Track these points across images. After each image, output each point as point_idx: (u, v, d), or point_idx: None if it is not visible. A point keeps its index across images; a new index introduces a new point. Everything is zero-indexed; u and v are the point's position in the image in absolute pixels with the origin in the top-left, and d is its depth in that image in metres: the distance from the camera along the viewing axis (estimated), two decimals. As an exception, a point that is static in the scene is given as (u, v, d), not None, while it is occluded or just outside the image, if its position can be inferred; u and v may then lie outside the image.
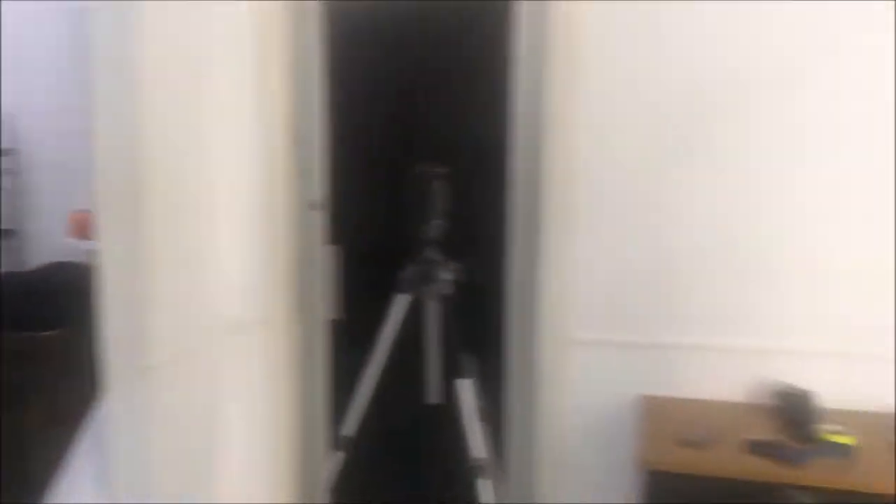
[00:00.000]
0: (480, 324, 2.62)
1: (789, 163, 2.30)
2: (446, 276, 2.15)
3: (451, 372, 2.12)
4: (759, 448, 2.12)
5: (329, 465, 2.42)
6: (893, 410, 2.27)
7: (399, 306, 2.15)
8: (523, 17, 2.45)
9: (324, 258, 2.70)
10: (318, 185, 2.68)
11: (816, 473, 2.04)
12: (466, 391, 2.05)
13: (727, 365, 2.43)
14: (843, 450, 2.08)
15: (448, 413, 2.14)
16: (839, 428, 2.13)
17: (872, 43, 2.20)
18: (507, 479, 2.61)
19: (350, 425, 2.25)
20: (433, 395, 2.26)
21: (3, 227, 3.46)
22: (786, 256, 2.35)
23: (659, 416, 2.36)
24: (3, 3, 2.49)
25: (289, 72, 2.57)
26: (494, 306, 2.61)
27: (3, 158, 3.46)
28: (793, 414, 2.25)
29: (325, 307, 2.73)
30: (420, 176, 2.12)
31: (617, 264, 2.46)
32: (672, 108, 2.35)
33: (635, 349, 2.48)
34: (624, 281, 2.46)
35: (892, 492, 1.98)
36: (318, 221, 2.70)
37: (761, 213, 2.34)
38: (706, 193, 2.37)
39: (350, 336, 2.61)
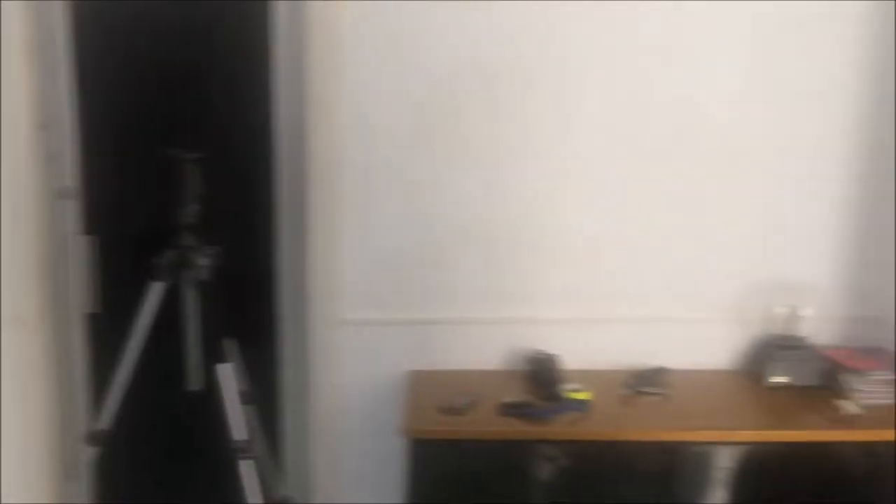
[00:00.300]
0: (245, 307, 2.61)
1: (534, 146, 2.50)
2: (202, 261, 2.12)
3: (211, 357, 2.10)
4: (510, 410, 2.30)
5: (84, 460, 2.31)
6: (619, 367, 2.56)
7: (154, 294, 2.09)
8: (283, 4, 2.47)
9: (77, 249, 2.54)
10: (69, 172, 2.52)
11: (560, 428, 2.26)
12: (227, 375, 2.04)
13: (486, 336, 2.61)
14: (581, 405, 2.32)
15: (209, 398, 2.12)
16: (579, 386, 2.38)
17: (609, 36, 2.45)
18: (278, 458, 2.63)
19: (105, 419, 2.16)
20: (194, 381, 2.22)
21: None
22: (534, 234, 2.56)
23: (423, 388, 2.48)
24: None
25: (33, 56, 2.41)
26: (261, 289, 2.62)
27: None
28: (541, 377, 2.47)
29: (80, 300, 2.58)
30: (172, 160, 2.07)
31: (381, 246, 2.56)
32: (429, 96, 2.47)
33: (402, 326, 2.59)
34: (388, 261, 2.56)
35: (623, 437, 2.25)
36: (70, 210, 2.54)
37: (511, 194, 2.53)
38: (463, 176, 2.52)
39: (109, 329, 2.49)
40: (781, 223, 2.54)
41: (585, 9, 2.42)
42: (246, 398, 2.19)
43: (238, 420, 2.04)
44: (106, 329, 2.58)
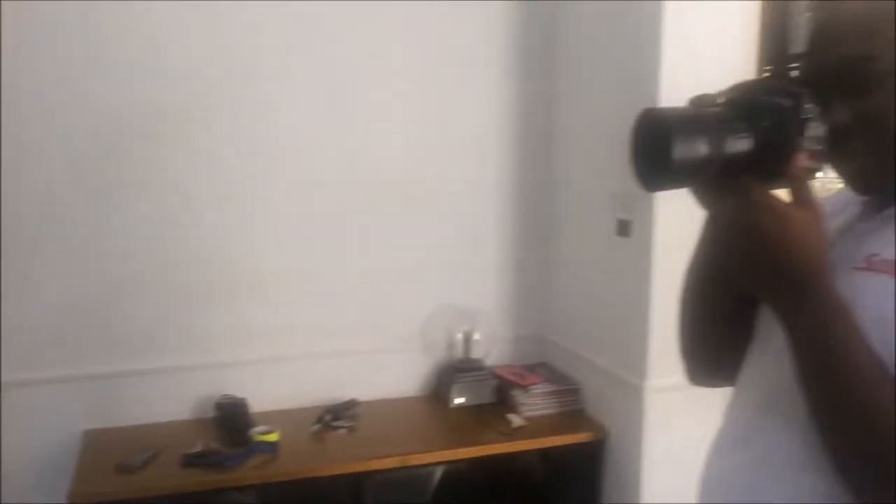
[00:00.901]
0: None
1: (211, 185, 2.47)
2: None
3: None
4: (193, 460, 2.23)
5: None
6: (312, 404, 2.58)
7: None
8: None
9: None
10: None
11: (248, 472, 2.23)
12: None
13: (171, 385, 2.51)
14: (270, 447, 2.31)
15: None
16: (268, 427, 2.37)
17: (284, 75, 2.50)
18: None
19: None
20: None
21: None
22: (214, 275, 2.52)
23: (101, 447, 2.32)
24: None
25: None
26: None
27: None
28: (230, 422, 2.42)
29: None
30: None
31: (47, 299, 2.36)
32: (94, 135, 2.35)
33: (75, 383, 2.40)
34: (56, 315, 2.38)
35: (310, 474, 2.27)
36: None
37: (188, 236, 2.47)
38: (135, 219, 2.42)
39: None
40: (453, 255, 2.75)
41: (260, 50, 2.46)
42: None
43: None
44: None
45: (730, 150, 0.90)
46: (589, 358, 2.60)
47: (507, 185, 2.78)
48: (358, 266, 2.65)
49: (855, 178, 0.97)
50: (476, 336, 2.73)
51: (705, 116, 0.91)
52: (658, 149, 0.89)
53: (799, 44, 0.92)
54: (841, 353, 0.84)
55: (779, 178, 0.90)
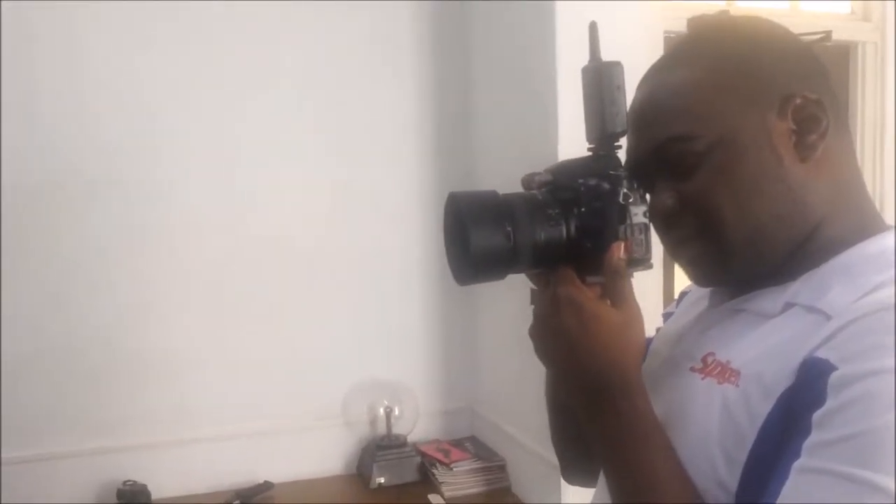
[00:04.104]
0: None
1: (106, 263, 2.37)
2: None
3: None
4: (83, 555, 2.08)
5: None
6: (222, 488, 2.44)
7: None
8: None
9: None
10: None
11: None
12: None
13: (74, 471, 2.36)
14: (169, 537, 2.17)
15: None
16: (173, 516, 2.23)
17: (181, 148, 2.43)
18: None
19: None
20: None
21: None
22: (114, 357, 2.39)
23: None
24: None
25: None
26: None
27: None
28: (128, 510, 2.28)
29: None
30: None
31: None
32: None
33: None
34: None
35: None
36: None
37: (80, 316, 2.35)
38: (17, 299, 2.30)
39: None
40: (374, 329, 2.64)
41: (172, 112, 2.40)
42: None
43: None
44: None
45: (540, 239, 0.82)
46: (513, 433, 2.49)
47: (430, 251, 2.69)
48: (275, 342, 2.53)
49: (690, 269, 0.89)
50: (397, 411, 2.61)
51: (513, 201, 0.84)
52: (459, 239, 0.82)
53: (621, 123, 0.86)
54: (639, 470, 0.75)
55: (596, 269, 0.83)
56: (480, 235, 0.79)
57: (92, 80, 2.33)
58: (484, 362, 2.72)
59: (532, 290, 0.91)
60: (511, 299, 2.53)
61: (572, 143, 1.05)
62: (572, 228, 0.83)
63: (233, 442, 2.50)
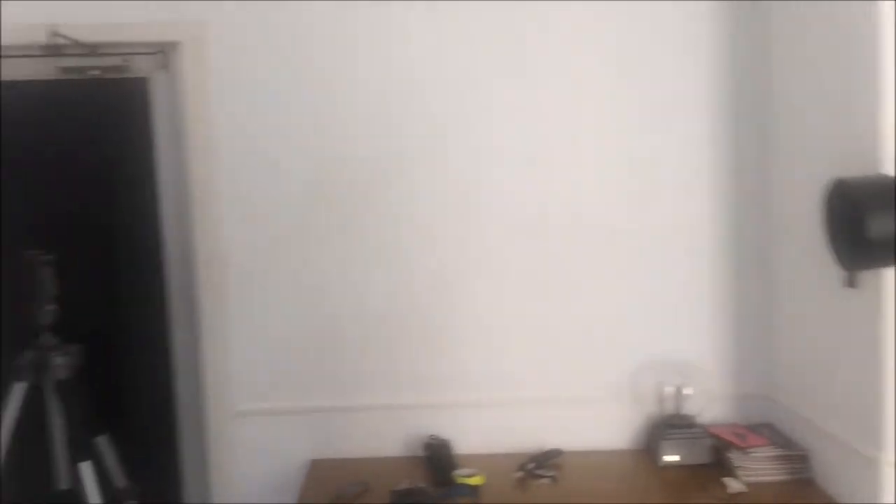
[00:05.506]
0: (139, 402, 2.62)
1: (425, 232, 2.59)
2: (60, 360, 2.14)
3: (75, 455, 2.10)
4: (400, 496, 2.31)
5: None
6: (514, 450, 2.57)
7: (16, 394, 2.11)
8: (159, 94, 2.57)
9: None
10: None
11: (450, 514, 2.27)
12: (88, 474, 2.04)
13: (383, 422, 2.64)
14: (472, 490, 2.33)
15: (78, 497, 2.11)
16: (473, 471, 2.39)
17: (504, 121, 2.57)
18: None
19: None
20: (63, 479, 2.21)
21: None
22: (427, 319, 2.62)
23: (320, 477, 2.49)
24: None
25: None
26: (157, 383, 2.63)
27: None
28: (435, 462, 2.48)
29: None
30: (29, 262, 2.13)
31: (273, 336, 2.60)
32: (314, 181, 2.56)
33: (298, 415, 2.62)
34: (281, 351, 2.61)
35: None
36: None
37: (402, 281, 2.61)
38: (351, 264, 2.59)
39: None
40: (664, 304, 2.62)
41: (480, 97, 2.56)
42: (124, 495, 2.18)
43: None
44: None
45: None
46: (818, 422, 2.33)
47: (722, 227, 2.61)
48: (567, 313, 2.62)
49: None
50: (687, 391, 2.57)
51: None
52: (853, 224, 0.80)
53: None
54: None
55: None
56: (879, 221, 0.76)
57: (411, 69, 2.55)
58: (782, 346, 2.57)
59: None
60: (809, 277, 2.37)
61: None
62: None
63: (526, 408, 2.63)
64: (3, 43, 2.42)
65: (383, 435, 2.64)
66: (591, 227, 2.60)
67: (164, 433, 2.66)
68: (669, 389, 2.59)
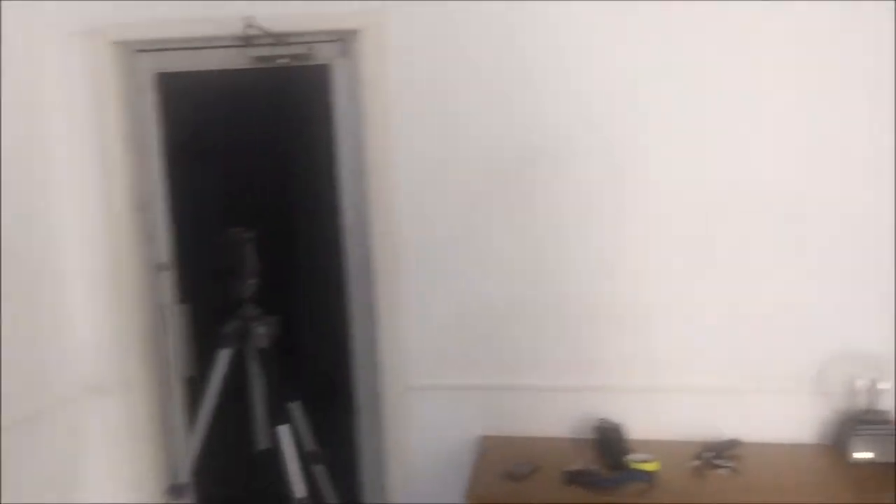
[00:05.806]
0: (324, 372, 2.76)
1: (598, 215, 2.55)
2: (261, 330, 2.30)
3: (274, 419, 2.25)
4: (574, 477, 2.31)
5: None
6: (688, 438, 2.51)
7: (222, 360, 2.28)
8: (340, 80, 2.65)
9: (174, 317, 2.78)
10: (164, 248, 2.79)
11: (624, 498, 2.24)
12: (285, 436, 2.18)
13: (553, 403, 2.64)
14: (647, 475, 2.30)
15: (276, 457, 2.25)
16: (647, 456, 2.36)
17: (662, 109, 2.49)
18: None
19: (184, 473, 2.34)
20: (261, 441, 2.37)
21: None
22: (603, 302, 2.59)
23: (491, 453, 2.54)
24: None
25: (128, 142, 2.71)
26: (337, 356, 2.76)
27: None
28: (607, 446, 2.46)
29: (178, 365, 2.81)
30: (232, 240, 2.29)
31: (446, 314, 2.65)
32: (488, 173, 2.58)
33: (470, 392, 2.67)
34: (453, 330, 2.66)
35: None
36: (167, 282, 2.80)
37: (574, 263, 2.58)
38: (524, 246, 2.60)
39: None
40: (858, 297, 2.45)
41: (639, 85, 2.48)
42: (314, 458, 2.31)
43: (297, 479, 2.16)
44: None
45: None
46: None
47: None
48: (747, 298, 2.51)
49: None
50: (883, 385, 2.39)
51: None
52: None
53: None
54: None
55: None
56: None
57: (583, 66, 2.51)
58: None
59: None
60: None
61: None
62: None
63: (701, 394, 2.55)
64: (200, 35, 2.60)
65: (551, 415, 2.64)
66: (776, 207, 2.46)
67: (342, 403, 2.79)
68: (862, 383, 2.43)
